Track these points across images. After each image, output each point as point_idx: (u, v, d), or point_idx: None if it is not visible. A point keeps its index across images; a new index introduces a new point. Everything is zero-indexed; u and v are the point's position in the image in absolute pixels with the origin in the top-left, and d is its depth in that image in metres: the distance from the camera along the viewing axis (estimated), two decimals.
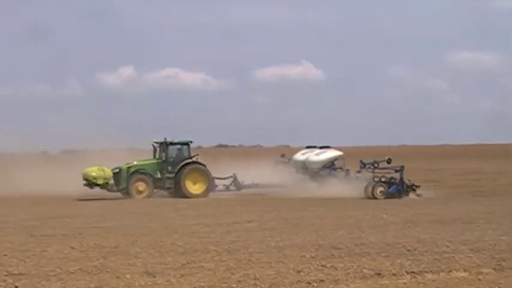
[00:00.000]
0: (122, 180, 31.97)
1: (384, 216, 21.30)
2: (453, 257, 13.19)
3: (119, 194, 31.92)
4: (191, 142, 34.04)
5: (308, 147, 36.44)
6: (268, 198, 30.54)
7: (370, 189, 29.65)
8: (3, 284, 10.98)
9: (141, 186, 31.83)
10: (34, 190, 31.37)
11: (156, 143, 33.59)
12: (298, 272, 11.74)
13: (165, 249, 14.48)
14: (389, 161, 30.67)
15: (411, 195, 29.94)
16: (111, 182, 32.02)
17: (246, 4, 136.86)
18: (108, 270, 12.05)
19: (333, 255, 13.47)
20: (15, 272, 11.91)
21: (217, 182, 33.84)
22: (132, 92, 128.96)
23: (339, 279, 11.20)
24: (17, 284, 10.94)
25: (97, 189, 31.71)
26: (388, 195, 29.24)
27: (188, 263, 12.68)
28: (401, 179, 30.10)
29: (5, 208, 26.96)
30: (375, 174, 30.51)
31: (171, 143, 33.49)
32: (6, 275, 11.61)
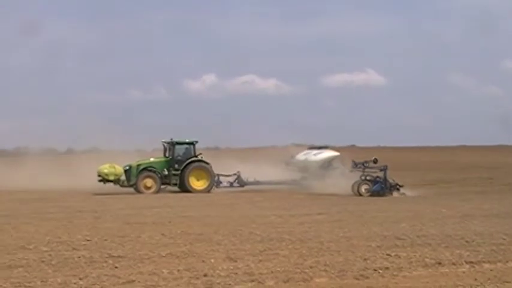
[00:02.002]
0: (132, 177, 32.10)
1: (443, 210, 20.92)
2: (509, 248, 12.88)
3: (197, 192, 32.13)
4: (196, 142, 33.88)
5: (310, 148, 35.80)
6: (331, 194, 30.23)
7: (356, 187, 29.33)
8: (105, 265, 11.24)
9: (149, 182, 31.94)
10: None
11: (165, 142, 33.67)
12: (365, 259, 11.65)
13: (244, 237, 14.56)
14: (375, 161, 30.37)
15: (395, 194, 29.30)
16: (123, 178, 32.21)
17: (316, 19, 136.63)
18: (194, 255, 12.19)
19: (396, 245, 13.30)
20: (114, 254, 12.18)
21: (222, 179, 33.79)
22: (214, 97, 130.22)
23: (402, 267, 11.05)
24: (116, 265, 11.17)
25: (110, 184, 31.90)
26: (373, 193, 28.72)
27: (265, 250, 12.71)
28: (385, 178, 29.51)
29: (107, 198, 27.80)
30: (364, 173, 30.10)
31: (178, 143, 33.52)
32: (107, 257, 11.89)
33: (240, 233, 15.21)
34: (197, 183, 32.48)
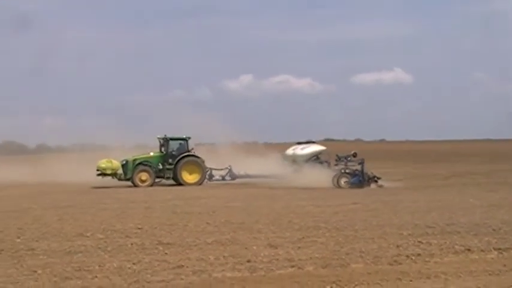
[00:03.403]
0: (128, 171, 32.01)
1: (471, 200, 20.57)
2: None
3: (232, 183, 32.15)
4: (189, 138, 33.57)
5: (298, 143, 35.04)
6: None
7: (335, 180, 28.83)
8: (156, 251, 11.37)
9: (144, 176, 31.83)
10: None
11: (160, 138, 33.51)
12: (398, 246, 11.53)
13: (284, 226, 14.53)
14: (355, 155, 29.84)
15: (373, 185, 28.73)
16: (120, 172, 32.12)
17: (346, 22, 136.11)
18: (237, 242, 12.23)
19: (427, 233, 13.13)
20: (164, 241, 12.30)
21: (214, 172, 33.61)
22: (251, 95, 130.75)
23: (433, 253, 10.90)
24: (166, 251, 11.28)
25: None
26: (352, 185, 28.26)
27: (303, 237, 12.68)
28: (362, 171, 28.99)
29: (155, 190, 28.09)
30: (344, 167, 29.56)
31: (171, 139, 33.28)
32: (157, 244, 12.02)
33: (280, 222, 15.20)
34: (189, 177, 32.34)
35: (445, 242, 11.88)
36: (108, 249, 11.59)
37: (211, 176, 33.56)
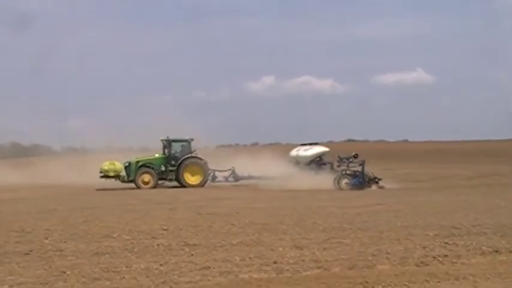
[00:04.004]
0: (131, 173, 32.23)
1: (496, 201, 20.38)
2: None
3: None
4: (192, 140, 33.61)
5: (302, 144, 35.14)
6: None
7: (336, 181, 28.79)
8: (182, 252, 11.40)
9: (147, 177, 31.99)
10: None
11: (163, 140, 33.50)
12: (424, 247, 11.45)
13: (308, 227, 14.50)
14: (355, 156, 29.84)
15: (373, 187, 28.51)
16: (123, 174, 32.29)
17: (368, 22, 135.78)
18: (262, 243, 12.21)
19: (453, 234, 13.01)
20: (190, 242, 12.31)
21: (217, 174, 33.53)
22: (272, 97, 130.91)
23: (460, 254, 10.81)
24: (192, 253, 11.31)
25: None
26: (353, 187, 28.02)
27: (328, 238, 12.64)
28: (363, 172, 28.75)
29: (179, 192, 28.24)
30: (345, 168, 29.56)
31: (174, 140, 33.34)
32: (183, 245, 12.05)
33: (304, 223, 15.16)
34: (192, 178, 32.45)
35: (472, 243, 11.77)
36: (135, 250, 11.67)
37: (214, 178, 33.58)
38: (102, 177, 32.38)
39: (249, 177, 33.33)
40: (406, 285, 8.84)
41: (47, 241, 12.81)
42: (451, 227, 13.97)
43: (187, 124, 43.51)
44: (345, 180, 28.93)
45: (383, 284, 8.87)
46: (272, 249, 11.51)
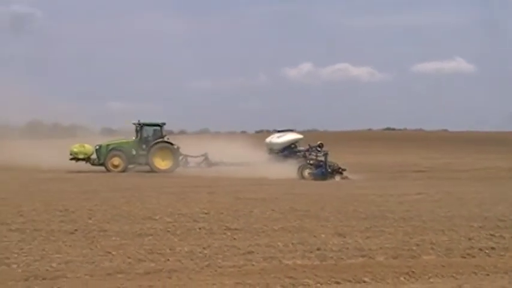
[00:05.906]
0: (102, 156, 31.96)
1: None
2: None
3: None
4: (164, 124, 33.29)
5: (278, 131, 34.48)
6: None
7: (300, 171, 28.16)
8: (224, 236, 11.43)
9: (116, 161, 31.70)
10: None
11: (135, 124, 33.14)
12: (469, 239, 11.26)
13: (349, 214, 14.40)
14: (321, 146, 29.03)
15: (337, 177, 27.78)
16: (93, 156, 32.08)
17: (408, 9, 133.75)
18: (305, 230, 12.16)
19: (498, 226, 12.76)
20: (231, 227, 12.32)
21: (189, 159, 33.05)
22: (310, 83, 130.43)
23: (507, 247, 10.58)
24: (234, 237, 11.33)
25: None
26: (316, 177, 27.37)
27: (371, 227, 12.54)
28: (325, 162, 28.06)
29: (212, 176, 28.34)
30: (311, 157, 28.95)
31: (145, 124, 32.96)
32: (225, 229, 12.07)
33: (345, 210, 15.07)
34: (162, 163, 32.06)
35: None
36: (178, 232, 11.74)
37: (186, 163, 33.33)
38: (71, 159, 32.02)
39: (221, 164, 32.43)
40: (453, 276, 8.72)
41: (90, 221, 12.98)
42: (496, 218, 13.71)
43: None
44: (308, 170, 28.44)
45: (429, 275, 8.76)
46: (315, 236, 11.46)
